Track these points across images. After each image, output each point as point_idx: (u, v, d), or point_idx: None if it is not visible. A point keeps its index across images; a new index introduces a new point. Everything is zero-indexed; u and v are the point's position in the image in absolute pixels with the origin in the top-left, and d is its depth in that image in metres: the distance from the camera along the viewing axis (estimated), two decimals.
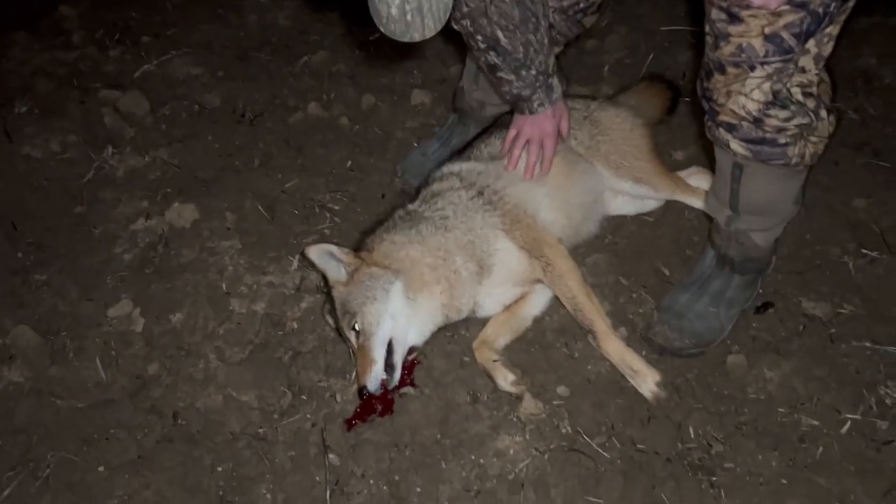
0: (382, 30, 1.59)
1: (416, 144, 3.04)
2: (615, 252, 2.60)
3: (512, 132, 2.45)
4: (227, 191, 2.88)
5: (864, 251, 2.51)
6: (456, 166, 2.51)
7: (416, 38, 1.58)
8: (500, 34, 2.07)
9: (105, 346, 2.41)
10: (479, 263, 2.31)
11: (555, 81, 2.34)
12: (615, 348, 2.22)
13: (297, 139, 3.12)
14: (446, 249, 2.29)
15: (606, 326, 2.24)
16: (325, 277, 2.31)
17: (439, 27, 1.55)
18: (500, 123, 2.67)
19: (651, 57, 3.34)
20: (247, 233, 2.74)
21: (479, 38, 2.13)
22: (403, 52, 3.51)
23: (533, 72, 2.22)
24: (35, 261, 2.70)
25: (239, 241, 2.71)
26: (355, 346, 2.20)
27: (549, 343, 2.36)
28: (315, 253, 2.24)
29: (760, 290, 2.40)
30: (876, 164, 2.82)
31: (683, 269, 2.51)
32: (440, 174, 2.51)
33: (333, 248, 2.23)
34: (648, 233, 2.67)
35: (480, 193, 2.39)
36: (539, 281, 2.35)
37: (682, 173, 2.71)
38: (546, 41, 2.20)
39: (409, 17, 1.51)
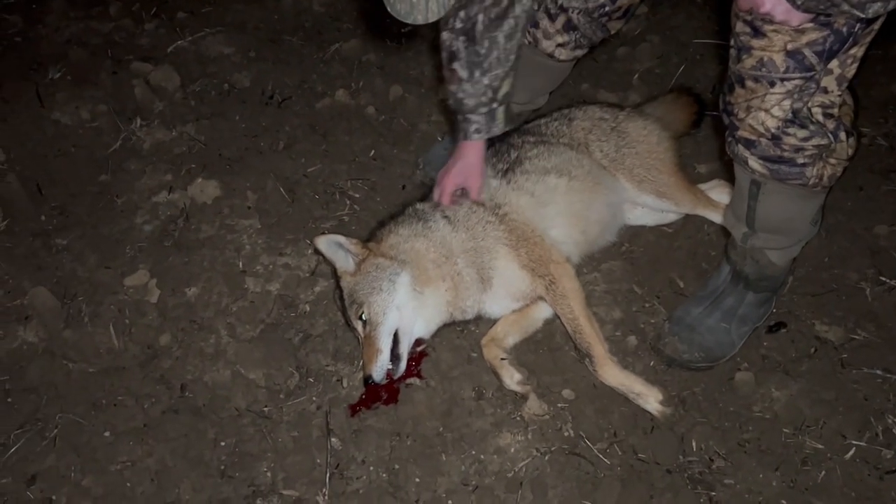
0: (389, 9, 1.59)
1: (439, 139, 3.05)
2: (631, 260, 2.60)
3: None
4: (250, 170, 2.91)
5: (883, 279, 2.49)
6: None
7: (420, 20, 1.57)
8: (480, 18, 2.04)
9: (119, 314, 2.44)
10: (479, 273, 2.29)
11: (500, 114, 2.26)
12: (612, 374, 2.19)
13: (322, 125, 3.14)
14: (449, 248, 2.29)
15: (604, 351, 2.20)
16: (334, 267, 2.33)
17: (443, 12, 1.53)
18: (523, 131, 2.66)
19: (682, 68, 3.33)
20: (267, 213, 2.76)
21: (462, 14, 2.07)
22: (435, 45, 3.51)
23: (485, 80, 2.15)
24: (57, 225, 2.74)
25: (258, 221, 2.73)
26: (362, 336, 2.22)
27: (558, 346, 2.36)
28: (324, 243, 2.26)
29: (774, 310, 2.39)
30: None
31: (698, 282, 2.50)
32: None
33: (342, 239, 2.24)
34: (666, 243, 2.66)
35: (481, 204, 2.37)
36: (541, 298, 2.32)
37: (704, 186, 2.70)
38: (512, 59, 2.15)
39: None
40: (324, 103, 3.22)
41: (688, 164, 2.87)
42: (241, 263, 2.59)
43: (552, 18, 2.34)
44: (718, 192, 2.66)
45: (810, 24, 1.70)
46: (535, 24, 2.37)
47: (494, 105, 2.22)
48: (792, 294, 2.47)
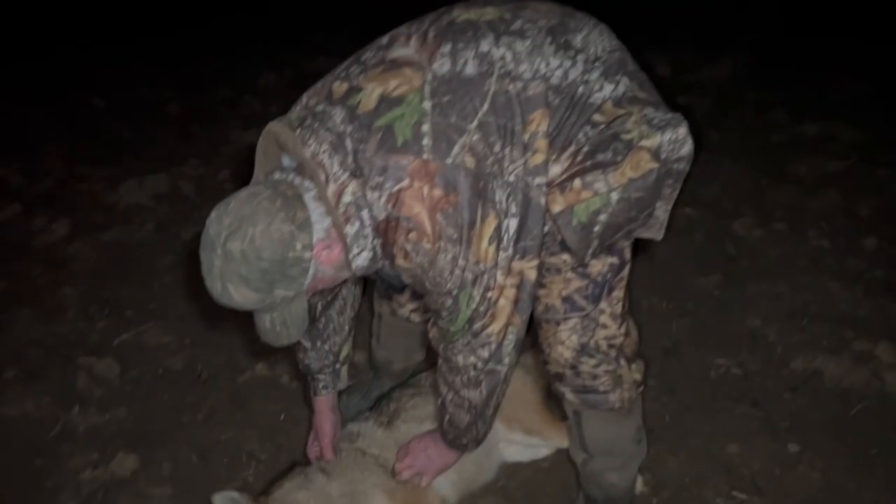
0: (262, 338, 1.99)
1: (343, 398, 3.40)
2: (506, 496, 2.82)
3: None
4: (168, 442, 3.21)
5: (735, 493, 2.71)
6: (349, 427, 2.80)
7: (286, 343, 1.98)
8: (319, 303, 2.45)
9: None
10: None
11: (343, 372, 2.64)
12: None
13: (241, 396, 3.50)
14: (328, 496, 2.50)
15: None
16: None
17: (301, 334, 1.96)
18: (405, 384, 3.03)
19: None
20: (179, 481, 3.02)
21: None
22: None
23: (326, 347, 2.54)
24: None
25: (170, 488, 2.98)
26: None
27: None
28: (220, 499, 2.46)
29: None
30: (752, 413, 3.11)
31: None
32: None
33: (235, 494, 2.46)
34: (542, 477, 2.90)
35: (363, 453, 2.65)
36: None
37: None
38: (347, 328, 2.57)
39: (277, 329, 1.91)
40: (245, 377, 3.62)
41: (556, 400, 3.19)
42: None
43: (401, 291, 2.85)
44: None
45: (573, 275, 2.14)
46: (390, 298, 2.87)
47: (337, 365, 2.62)
48: None
